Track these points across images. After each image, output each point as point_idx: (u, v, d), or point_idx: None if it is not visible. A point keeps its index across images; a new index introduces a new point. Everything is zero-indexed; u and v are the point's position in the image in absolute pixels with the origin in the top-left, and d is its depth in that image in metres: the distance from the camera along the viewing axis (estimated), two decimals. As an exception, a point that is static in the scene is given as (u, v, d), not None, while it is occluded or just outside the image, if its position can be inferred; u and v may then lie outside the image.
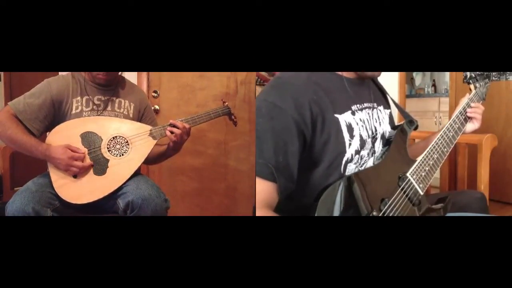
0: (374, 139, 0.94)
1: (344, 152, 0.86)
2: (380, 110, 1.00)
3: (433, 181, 0.97)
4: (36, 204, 1.13)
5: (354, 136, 0.89)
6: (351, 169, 0.88)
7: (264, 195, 0.80)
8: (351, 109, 0.91)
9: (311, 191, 0.85)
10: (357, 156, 0.89)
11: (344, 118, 0.88)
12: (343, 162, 0.86)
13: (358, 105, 0.93)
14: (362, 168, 0.90)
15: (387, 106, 1.05)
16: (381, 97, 1.05)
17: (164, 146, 1.40)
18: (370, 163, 0.92)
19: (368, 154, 0.91)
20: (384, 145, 0.97)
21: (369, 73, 0.95)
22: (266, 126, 0.81)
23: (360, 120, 0.91)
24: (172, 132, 1.33)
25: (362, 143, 0.90)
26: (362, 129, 0.91)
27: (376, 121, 0.96)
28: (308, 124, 0.83)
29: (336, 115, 0.87)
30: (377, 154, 0.95)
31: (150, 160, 1.41)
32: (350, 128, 0.88)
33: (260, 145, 0.81)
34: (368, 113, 0.95)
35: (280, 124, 0.81)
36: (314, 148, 0.84)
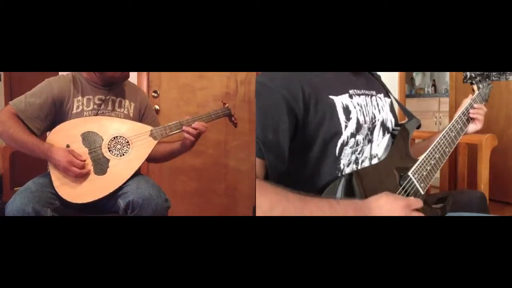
0: (373, 125, 0.94)
1: (340, 133, 0.86)
2: (380, 98, 1.00)
3: (433, 181, 0.97)
4: (36, 204, 1.13)
5: (351, 118, 0.88)
6: (347, 153, 0.87)
7: (256, 171, 0.81)
8: (348, 92, 0.91)
9: (306, 175, 0.85)
10: (352, 139, 0.88)
11: (340, 100, 0.88)
12: (339, 144, 0.86)
13: (356, 90, 0.93)
14: (360, 155, 0.90)
15: (387, 95, 1.05)
16: (380, 87, 1.05)
17: (176, 144, 1.40)
18: (366, 150, 0.92)
19: (364, 140, 0.91)
20: (384, 134, 0.97)
21: None
22: (256, 106, 0.83)
23: (358, 104, 0.91)
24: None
25: (358, 127, 0.89)
26: (359, 113, 0.90)
27: (375, 108, 0.96)
28: (300, 102, 0.83)
29: (331, 97, 0.87)
30: (377, 142, 0.94)
31: (160, 158, 1.42)
32: (347, 110, 0.88)
33: (256, 125, 0.82)
34: (366, 99, 0.95)
35: (269, 102, 0.82)
36: (307, 128, 0.84)
